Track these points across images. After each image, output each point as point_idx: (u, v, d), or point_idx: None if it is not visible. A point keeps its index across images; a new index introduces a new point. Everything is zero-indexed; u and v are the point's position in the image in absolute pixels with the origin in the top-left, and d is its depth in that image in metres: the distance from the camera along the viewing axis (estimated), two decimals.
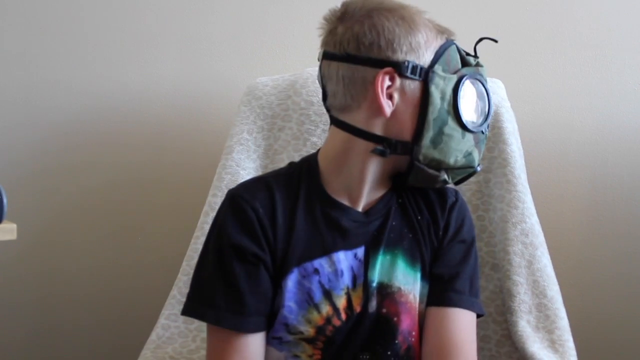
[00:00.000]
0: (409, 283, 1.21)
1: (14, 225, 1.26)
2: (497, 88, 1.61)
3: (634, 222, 1.89)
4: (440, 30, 1.21)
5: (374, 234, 1.22)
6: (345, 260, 1.20)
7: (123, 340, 1.82)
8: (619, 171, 1.90)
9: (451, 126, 1.17)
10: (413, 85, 1.16)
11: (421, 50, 1.17)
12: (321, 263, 1.20)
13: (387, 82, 1.16)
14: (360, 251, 1.21)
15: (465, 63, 1.22)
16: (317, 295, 1.19)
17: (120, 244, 1.87)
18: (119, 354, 1.76)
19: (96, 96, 1.85)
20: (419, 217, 1.25)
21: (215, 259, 1.18)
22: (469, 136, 1.19)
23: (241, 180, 1.52)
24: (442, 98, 1.16)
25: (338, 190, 1.22)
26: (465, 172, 1.22)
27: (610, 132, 1.90)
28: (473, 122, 1.20)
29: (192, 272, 1.49)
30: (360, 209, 1.23)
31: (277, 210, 1.19)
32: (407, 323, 1.20)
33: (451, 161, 1.19)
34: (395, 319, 1.19)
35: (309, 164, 1.25)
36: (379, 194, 1.24)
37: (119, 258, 1.87)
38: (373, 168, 1.21)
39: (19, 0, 1.82)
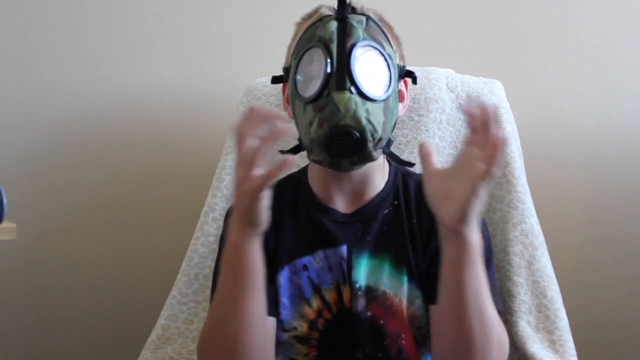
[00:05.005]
0: (394, 287, 1.23)
1: (14, 225, 1.26)
2: (497, 89, 1.61)
3: (634, 222, 1.89)
4: (314, 18, 1.23)
5: (357, 235, 1.25)
6: (333, 256, 1.24)
7: (123, 340, 1.82)
8: (619, 171, 1.90)
9: (297, 107, 1.18)
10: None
11: (290, 51, 1.24)
12: (309, 260, 1.24)
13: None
14: (343, 250, 1.24)
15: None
16: (307, 290, 1.24)
17: (120, 244, 1.87)
18: (119, 355, 1.76)
19: (96, 96, 1.85)
20: (415, 220, 1.26)
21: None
22: (309, 107, 1.15)
23: None
24: (291, 83, 1.20)
25: (323, 192, 1.28)
26: (317, 144, 1.14)
27: (610, 132, 1.89)
28: (310, 91, 1.15)
29: (192, 272, 1.51)
30: (342, 209, 1.27)
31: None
32: (394, 326, 1.22)
33: (304, 139, 1.18)
34: (381, 321, 1.22)
35: (303, 169, 1.33)
36: (369, 195, 1.27)
37: (118, 258, 1.87)
38: (311, 166, 1.28)
39: (19, 0, 1.82)
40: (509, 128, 1.56)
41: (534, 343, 1.40)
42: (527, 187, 1.53)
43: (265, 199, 1.05)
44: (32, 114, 1.84)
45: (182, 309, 1.48)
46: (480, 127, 0.99)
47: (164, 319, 1.48)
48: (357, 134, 1.11)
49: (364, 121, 1.11)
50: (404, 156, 1.53)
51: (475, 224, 1.04)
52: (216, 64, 1.87)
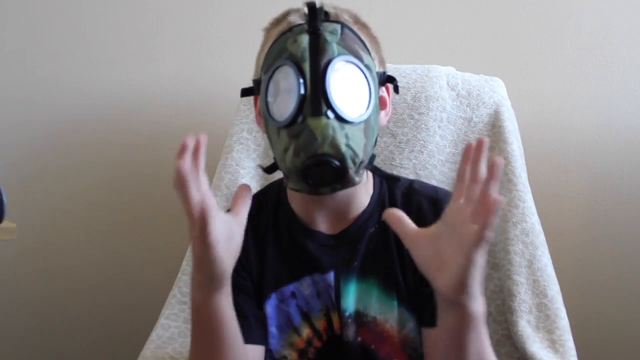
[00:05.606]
0: (384, 312, 1.17)
1: (14, 225, 1.26)
2: (498, 87, 1.61)
3: (634, 222, 1.89)
4: (283, 26, 1.13)
5: (344, 260, 1.18)
6: (320, 282, 1.17)
7: (123, 340, 1.82)
8: (619, 171, 1.90)
9: (271, 129, 1.09)
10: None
11: (260, 61, 1.15)
12: (296, 287, 1.18)
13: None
14: (330, 277, 1.17)
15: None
16: (296, 318, 1.18)
17: (120, 243, 1.87)
18: (119, 354, 1.76)
19: (96, 96, 1.85)
20: None
21: None
22: (283, 132, 1.05)
23: (241, 179, 1.53)
24: (262, 103, 1.10)
25: (305, 213, 1.20)
26: (294, 173, 1.05)
27: (610, 132, 1.90)
28: (283, 114, 1.05)
29: (192, 271, 1.50)
30: (326, 230, 1.19)
31: (247, 238, 1.11)
32: (385, 351, 1.18)
33: (280, 166, 1.09)
34: (373, 346, 1.17)
35: (282, 183, 1.23)
36: (353, 213, 1.19)
37: (118, 258, 1.87)
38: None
39: (19, 0, 1.82)
40: (510, 126, 1.56)
41: (534, 342, 1.40)
42: (527, 185, 1.53)
43: (219, 249, 0.97)
44: (32, 114, 1.84)
45: (183, 308, 1.48)
46: (471, 173, 0.91)
47: (164, 319, 1.48)
48: (337, 162, 1.01)
49: (343, 148, 1.01)
50: (404, 155, 1.53)
51: (478, 291, 0.93)
52: (216, 64, 1.87)
